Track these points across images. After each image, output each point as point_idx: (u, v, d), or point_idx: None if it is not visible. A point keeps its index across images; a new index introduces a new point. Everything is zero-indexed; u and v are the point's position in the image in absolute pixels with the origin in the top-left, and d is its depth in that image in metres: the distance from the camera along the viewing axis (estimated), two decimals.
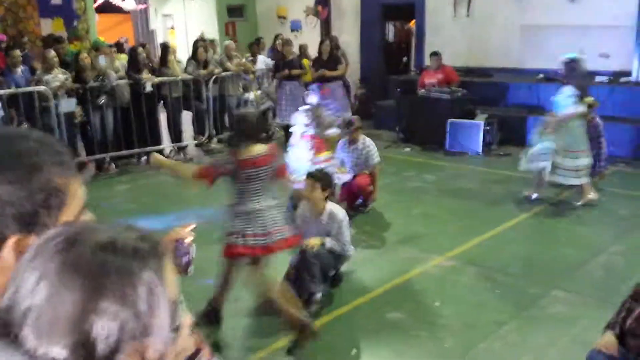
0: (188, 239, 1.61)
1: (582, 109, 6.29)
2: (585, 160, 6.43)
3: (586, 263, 5.08)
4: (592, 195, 6.49)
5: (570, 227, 6.05)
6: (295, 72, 9.78)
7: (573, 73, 6.34)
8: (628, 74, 8.86)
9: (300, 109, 6.54)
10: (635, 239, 5.55)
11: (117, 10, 16.07)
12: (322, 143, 6.14)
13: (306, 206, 4.63)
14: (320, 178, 4.48)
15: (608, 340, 2.83)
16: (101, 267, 0.74)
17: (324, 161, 6.03)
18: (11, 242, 0.89)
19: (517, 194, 6.94)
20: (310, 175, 4.51)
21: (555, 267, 5.05)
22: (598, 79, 9.00)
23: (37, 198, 0.91)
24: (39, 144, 0.95)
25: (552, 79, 9.40)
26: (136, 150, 8.87)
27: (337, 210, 4.54)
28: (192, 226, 1.68)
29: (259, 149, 3.80)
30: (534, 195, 6.71)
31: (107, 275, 0.73)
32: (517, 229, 5.98)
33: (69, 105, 7.97)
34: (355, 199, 6.48)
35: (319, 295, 4.33)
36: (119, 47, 10.90)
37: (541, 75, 9.55)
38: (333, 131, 6.36)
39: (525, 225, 6.10)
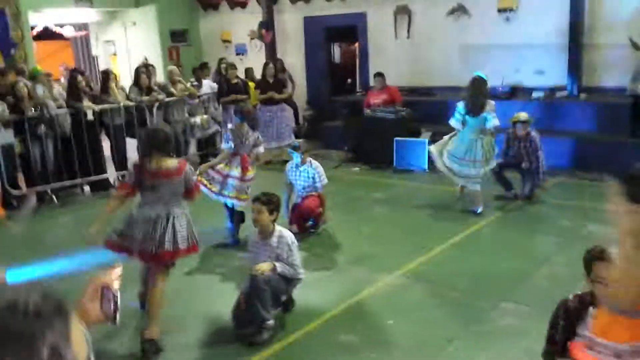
0: (115, 285, 1.51)
1: (457, 125, 6.95)
2: (475, 171, 6.90)
3: (531, 274, 5.20)
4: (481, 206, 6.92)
5: (514, 239, 6.19)
6: (240, 97, 9.77)
7: (470, 90, 6.85)
8: (563, 88, 9.22)
9: (228, 127, 6.64)
10: (577, 248, 5.70)
11: (57, 37, 15.72)
12: (247, 161, 6.16)
13: (254, 231, 4.58)
14: (267, 201, 4.44)
15: None
16: (1, 331, 0.70)
17: (251, 180, 6.22)
18: None
19: (463, 210, 7.08)
20: (256, 199, 4.47)
21: (502, 279, 5.14)
22: (535, 94, 9.33)
23: None
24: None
25: (492, 96, 9.72)
26: (79, 180, 8.63)
27: (285, 232, 4.51)
28: (118, 269, 1.57)
29: (167, 163, 4.17)
30: (479, 209, 6.87)
31: (8, 339, 0.70)
32: (463, 244, 6.08)
33: (6, 136, 7.69)
34: (305, 221, 6.48)
35: (271, 322, 4.27)
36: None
37: None
38: (259, 150, 6.39)
39: (471, 239, 6.21)
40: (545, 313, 4.37)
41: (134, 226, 4.19)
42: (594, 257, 2.85)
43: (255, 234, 4.55)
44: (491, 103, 6.84)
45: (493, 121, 6.73)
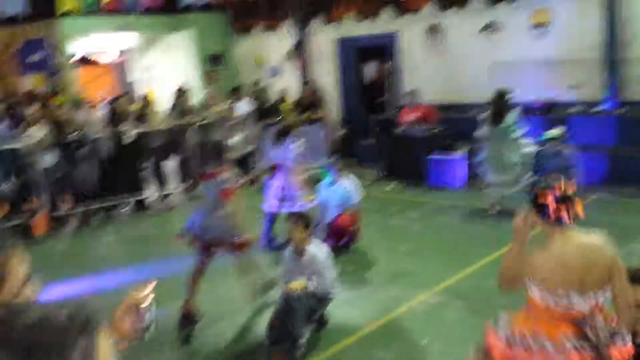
0: (145, 304, 1.56)
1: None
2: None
3: None
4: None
5: None
6: (273, 120, 9.97)
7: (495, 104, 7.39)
8: (598, 103, 9.11)
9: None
10: None
11: (96, 63, 16.25)
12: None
13: (289, 248, 4.67)
14: (301, 217, 4.53)
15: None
16: (29, 346, 0.75)
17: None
18: None
19: (499, 227, 7.02)
20: (292, 215, 4.56)
21: None
22: (570, 110, 9.24)
23: None
24: None
25: (524, 111, 9.66)
26: (120, 200, 8.89)
27: (320, 249, 4.58)
28: (151, 286, 1.62)
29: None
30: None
31: (35, 355, 0.74)
32: (499, 262, 6.01)
33: (49, 160, 8.01)
34: (340, 238, 6.53)
35: (303, 340, 4.32)
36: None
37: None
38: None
39: None
40: None
41: None
42: (634, 279, 2.78)
43: (290, 250, 4.63)
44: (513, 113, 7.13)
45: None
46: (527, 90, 9.69)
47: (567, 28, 9.31)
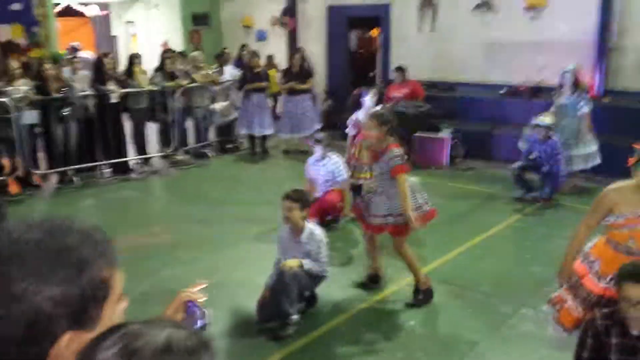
0: (200, 300, 1.55)
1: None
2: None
3: (551, 280, 5.19)
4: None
5: (534, 242, 6.23)
6: (263, 85, 9.81)
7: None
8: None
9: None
10: None
11: (77, 14, 15.74)
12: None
13: (285, 227, 4.64)
14: (297, 198, 4.49)
15: None
16: None
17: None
18: (65, 340, 0.88)
19: (484, 210, 7.11)
20: (287, 196, 4.51)
21: (522, 284, 5.19)
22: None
23: (87, 294, 0.90)
24: (83, 236, 0.95)
25: (514, 93, 9.70)
26: (100, 162, 8.72)
27: (316, 230, 4.57)
28: (203, 285, 1.61)
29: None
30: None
31: None
32: (484, 246, 6.12)
33: (31, 117, 7.77)
34: (326, 215, 6.52)
35: (295, 317, 4.34)
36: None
37: (504, 90, 9.81)
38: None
39: (491, 241, 6.25)
40: None
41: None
42: (623, 276, 2.84)
43: (286, 230, 4.61)
44: None
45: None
46: (517, 73, 9.72)
47: (563, 11, 9.28)
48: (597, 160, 7.66)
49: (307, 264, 4.38)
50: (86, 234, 0.96)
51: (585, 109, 7.51)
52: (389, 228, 4.73)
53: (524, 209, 7.16)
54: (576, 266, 3.51)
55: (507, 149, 8.86)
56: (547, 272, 5.38)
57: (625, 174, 7.58)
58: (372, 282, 5.12)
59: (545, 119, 7.16)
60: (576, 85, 7.56)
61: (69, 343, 0.89)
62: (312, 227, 4.55)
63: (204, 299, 1.58)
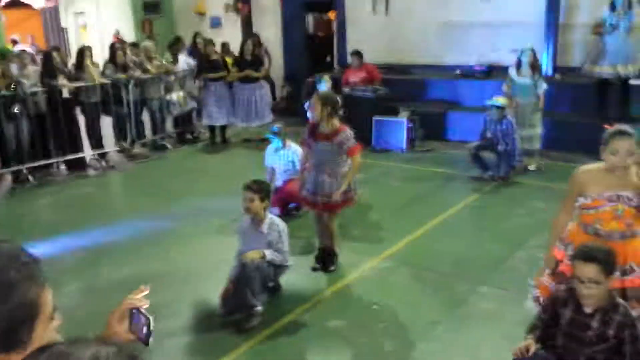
0: (144, 306, 1.54)
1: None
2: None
3: (507, 258, 5.38)
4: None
5: (491, 221, 6.38)
6: (220, 74, 9.70)
7: None
8: None
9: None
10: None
11: (25, 6, 15.23)
12: None
13: (246, 217, 4.64)
14: (258, 189, 4.49)
15: (526, 345, 3.03)
16: None
17: None
18: None
19: (442, 191, 7.23)
20: (248, 187, 4.51)
21: (479, 263, 5.32)
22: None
23: (15, 316, 0.90)
24: (8, 258, 0.94)
25: (469, 74, 9.84)
26: (54, 159, 8.51)
27: (277, 220, 4.59)
28: (146, 291, 1.59)
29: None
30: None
31: None
32: (443, 227, 6.23)
33: None
34: (287, 204, 6.54)
35: (259, 308, 4.36)
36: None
37: (458, 71, 9.94)
38: None
39: (450, 221, 6.37)
40: (522, 297, 4.58)
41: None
42: (576, 255, 2.95)
43: (247, 221, 4.61)
44: None
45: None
46: (472, 53, 9.86)
47: None
48: (538, 145, 7.84)
49: (269, 254, 4.39)
50: (12, 256, 0.95)
51: (544, 86, 7.66)
52: (332, 205, 5.01)
53: (482, 189, 7.31)
54: (555, 252, 3.58)
55: (463, 130, 9.02)
56: (504, 249, 5.54)
57: (576, 148, 7.84)
58: (328, 256, 5.25)
59: (500, 99, 7.30)
60: (534, 65, 7.67)
61: None
62: (273, 218, 4.57)
63: (147, 305, 1.57)
